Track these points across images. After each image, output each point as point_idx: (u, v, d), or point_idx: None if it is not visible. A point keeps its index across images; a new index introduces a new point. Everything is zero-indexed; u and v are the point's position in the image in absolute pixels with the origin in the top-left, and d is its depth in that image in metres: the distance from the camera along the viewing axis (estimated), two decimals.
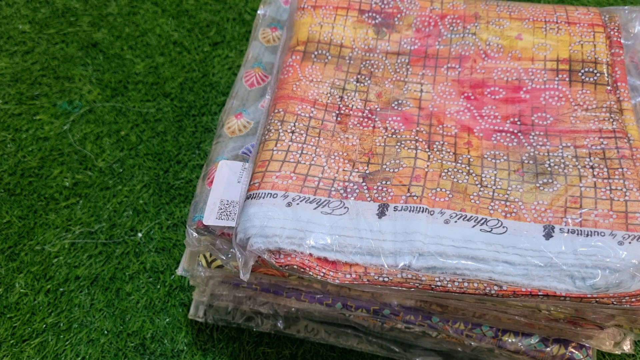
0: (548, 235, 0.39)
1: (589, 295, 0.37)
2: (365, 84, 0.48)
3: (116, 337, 0.54)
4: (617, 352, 0.44)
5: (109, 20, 0.75)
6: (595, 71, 0.47)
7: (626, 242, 0.38)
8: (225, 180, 0.45)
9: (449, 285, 0.38)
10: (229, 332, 0.54)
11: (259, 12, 0.57)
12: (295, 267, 0.38)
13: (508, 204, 0.41)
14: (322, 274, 0.39)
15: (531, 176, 0.42)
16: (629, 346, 0.44)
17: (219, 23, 0.75)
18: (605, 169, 0.42)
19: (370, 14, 0.52)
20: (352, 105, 0.47)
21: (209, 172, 0.46)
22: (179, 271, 0.47)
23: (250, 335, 0.54)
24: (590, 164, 0.42)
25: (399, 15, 0.52)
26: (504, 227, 0.39)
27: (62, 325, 0.54)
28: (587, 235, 0.39)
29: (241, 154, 0.46)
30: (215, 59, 0.72)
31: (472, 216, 0.40)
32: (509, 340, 0.45)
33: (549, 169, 0.43)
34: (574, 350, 0.44)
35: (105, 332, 0.54)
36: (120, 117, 0.67)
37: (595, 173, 0.42)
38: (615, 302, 0.37)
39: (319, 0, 0.52)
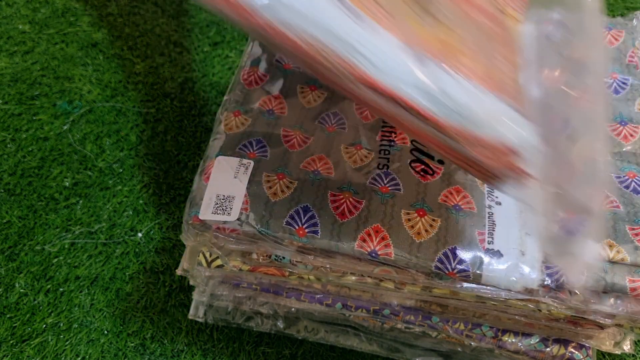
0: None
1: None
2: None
3: (116, 337, 0.54)
4: (617, 352, 0.44)
5: (109, 20, 0.75)
6: None
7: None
8: (221, 176, 0.45)
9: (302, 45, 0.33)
10: (229, 332, 0.54)
11: None
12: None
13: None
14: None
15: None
16: (629, 346, 0.44)
17: (218, 23, 0.75)
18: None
19: None
20: None
21: (205, 167, 0.46)
22: (179, 271, 0.47)
23: (250, 335, 0.54)
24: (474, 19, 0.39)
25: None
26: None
27: (62, 325, 0.54)
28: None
29: (238, 150, 0.46)
30: (215, 59, 0.72)
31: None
32: (509, 341, 0.45)
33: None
34: (574, 350, 0.44)
35: (105, 332, 0.54)
36: (120, 117, 0.67)
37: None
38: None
39: None
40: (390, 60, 0.34)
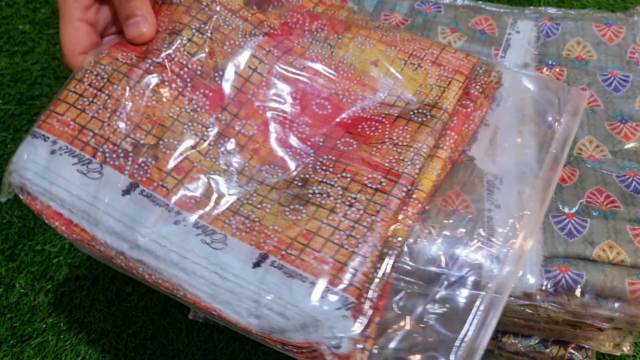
0: (257, 264, 0.36)
1: (254, 332, 0.35)
2: (204, 36, 0.43)
3: (116, 337, 0.54)
4: (616, 353, 0.44)
5: None
6: (427, 113, 0.43)
7: (320, 295, 0.35)
8: None
9: (146, 276, 0.38)
10: (229, 332, 0.54)
11: None
12: (35, 212, 0.40)
13: (246, 221, 0.38)
14: (55, 225, 0.39)
15: (288, 199, 0.39)
16: (628, 347, 0.44)
17: None
18: (362, 212, 0.38)
19: None
20: (175, 57, 0.42)
21: None
22: None
23: None
24: (352, 201, 0.38)
25: (275, 3, 0.47)
26: (225, 243, 0.37)
27: (62, 325, 0.54)
28: (290, 275, 0.36)
29: None
30: None
31: (203, 225, 0.38)
32: (509, 342, 0.45)
33: (309, 195, 0.39)
34: (573, 352, 0.44)
35: (106, 332, 0.54)
36: None
37: (348, 213, 0.38)
38: (279, 347, 0.35)
39: None
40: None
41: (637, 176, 0.45)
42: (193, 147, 0.41)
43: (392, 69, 0.45)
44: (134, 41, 0.43)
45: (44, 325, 0.54)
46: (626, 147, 0.46)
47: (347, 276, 0.35)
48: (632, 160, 0.46)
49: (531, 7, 0.55)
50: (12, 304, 0.55)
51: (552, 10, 0.54)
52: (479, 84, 0.45)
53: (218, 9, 0.44)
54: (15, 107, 0.68)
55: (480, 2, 0.55)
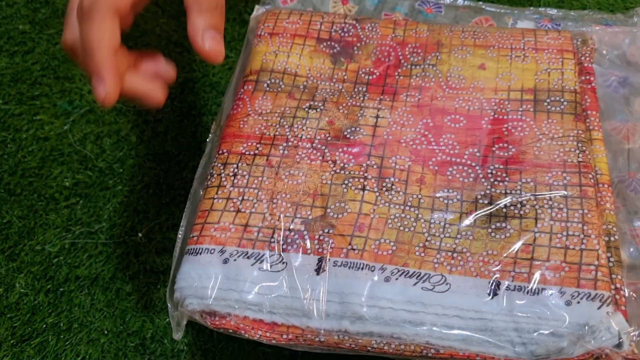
0: (493, 293, 0.36)
1: None
2: (318, 110, 0.45)
3: (116, 337, 0.54)
4: None
5: None
6: (562, 100, 0.44)
7: (574, 301, 0.34)
8: None
9: (385, 348, 0.36)
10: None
11: (253, 16, 0.57)
12: (230, 330, 0.37)
13: (455, 255, 0.38)
14: (258, 336, 0.37)
15: (484, 219, 0.39)
16: None
17: None
18: (565, 210, 0.38)
19: (329, 42, 0.49)
20: (302, 135, 0.44)
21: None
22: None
23: None
24: (550, 203, 0.39)
25: (358, 45, 0.49)
26: (447, 283, 0.37)
27: (62, 325, 0.54)
28: (534, 293, 0.35)
29: None
30: None
31: (414, 272, 0.37)
32: None
33: (504, 210, 0.39)
34: None
35: (106, 332, 0.54)
36: (120, 117, 0.67)
37: (554, 214, 0.38)
38: None
39: (276, 28, 0.50)
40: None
41: (637, 176, 0.45)
42: (362, 201, 0.40)
43: (501, 67, 0.46)
44: (210, 55, 0.43)
45: (44, 325, 0.54)
46: (626, 147, 0.47)
47: (591, 274, 0.35)
48: None
49: (531, 8, 0.55)
50: (12, 304, 0.55)
51: (552, 11, 0.55)
52: (585, 55, 0.46)
53: (316, 84, 0.47)
54: (15, 107, 0.68)
55: (481, 3, 0.56)
